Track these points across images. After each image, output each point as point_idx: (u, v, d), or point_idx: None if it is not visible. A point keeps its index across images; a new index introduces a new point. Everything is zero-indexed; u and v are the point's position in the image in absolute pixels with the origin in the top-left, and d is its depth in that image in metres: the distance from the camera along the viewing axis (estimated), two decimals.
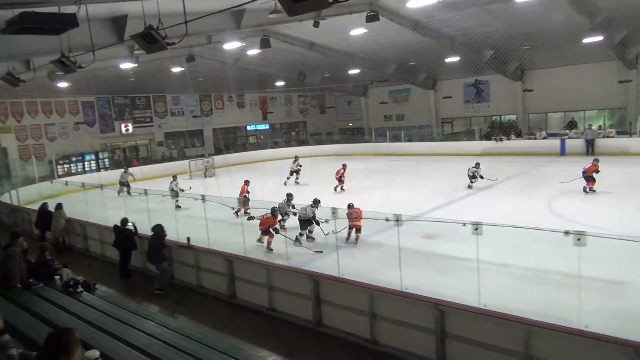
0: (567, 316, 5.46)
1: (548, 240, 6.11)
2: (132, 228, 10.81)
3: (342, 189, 18.14)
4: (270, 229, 10.55)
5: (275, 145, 36.82)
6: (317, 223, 10.80)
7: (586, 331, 5.15)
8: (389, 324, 6.79)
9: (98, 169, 27.28)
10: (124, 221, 10.81)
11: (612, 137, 23.74)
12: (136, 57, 20.46)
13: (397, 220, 6.83)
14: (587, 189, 14.82)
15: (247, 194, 15.04)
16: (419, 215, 11.15)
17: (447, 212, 13.00)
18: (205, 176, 25.72)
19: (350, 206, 10.80)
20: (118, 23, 14.38)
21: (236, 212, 12.55)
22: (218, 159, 27.04)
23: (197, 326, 7.72)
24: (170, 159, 30.74)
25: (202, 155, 27.73)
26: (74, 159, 26.93)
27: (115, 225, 10.91)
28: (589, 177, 14.88)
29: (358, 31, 19.52)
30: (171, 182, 17.03)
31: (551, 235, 5.83)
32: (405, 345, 6.60)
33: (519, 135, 27.95)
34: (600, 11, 20.05)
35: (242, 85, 33.13)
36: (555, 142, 24.96)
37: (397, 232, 6.92)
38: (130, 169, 22.52)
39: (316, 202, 11.25)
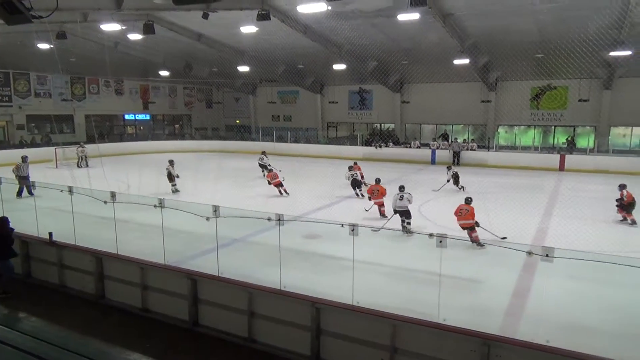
0: (428, 311, 5.99)
1: (415, 241, 6.66)
2: None
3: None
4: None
5: (156, 137, 34.97)
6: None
7: (443, 324, 5.71)
8: (267, 322, 6.86)
9: None
10: None
11: (474, 150, 26.58)
12: None
13: (278, 220, 6.92)
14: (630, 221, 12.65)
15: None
16: (302, 216, 11.40)
17: (329, 212, 13.47)
18: (79, 166, 23.55)
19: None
20: None
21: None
22: (90, 147, 24.86)
23: (58, 329, 7.00)
24: (32, 144, 27.60)
25: (77, 143, 25.28)
26: None
27: None
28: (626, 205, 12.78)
29: (249, 29, 19.39)
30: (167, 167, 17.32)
31: (419, 237, 6.36)
32: (282, 343, 6.72)
33: (396, 143, 29.99)
34: (469, 37, 22.38)
35: (122, 71, 30.95)
36: (427, 152, 27.23)
37: (279, 232, 7.01)
38: None
39: (402, 189, 11.94)
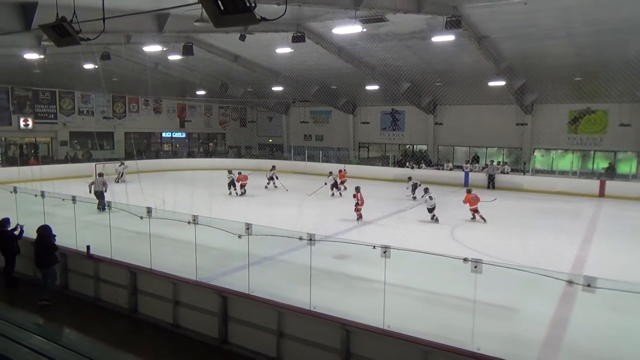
0: (462, 338, 5.81)
1: (449, 265, 6.50)
2: (17, 231, 9.85)
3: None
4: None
5: (191, 155, 35.76)
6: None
7: (478, 353, 5.52)
8: (296, 342, 6.79)
9: None
10: (3, 222, 9.81)
11: (507, 173, 25.99)
12: (43, 48, 19.03)
13: (310, 240, 6.90)
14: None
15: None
16: (332, 236, 11.34)
17: (359, 233, 13.38)
18: (117, 182, 24.28)
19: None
20: (26, 10, 13.35)
21: None
22: (128, 164, 25.64)
23: (92, 342, 7.18)
24: (74, 160, 28.66)
25: (117, 160, 26.18)
26: None
27: None
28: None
29: (284, 50, 19.77)
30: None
31: (452, 261, 6.21)
32: None
33: (428, 164, 29.68)
34: (504, 59, 22.14)
35: (161, 90, 31.98)
36: (460, 174, 26.81)
37: (310, 252, 6.98)
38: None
39: (427, 191, 16.34)
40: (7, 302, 8.93)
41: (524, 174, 26.20)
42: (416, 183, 20.01)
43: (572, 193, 23.07)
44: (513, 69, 23.39)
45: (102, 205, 14.76)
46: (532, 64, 22.15)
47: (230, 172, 21.90)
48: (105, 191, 16.94)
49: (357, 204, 15.53)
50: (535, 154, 28.92)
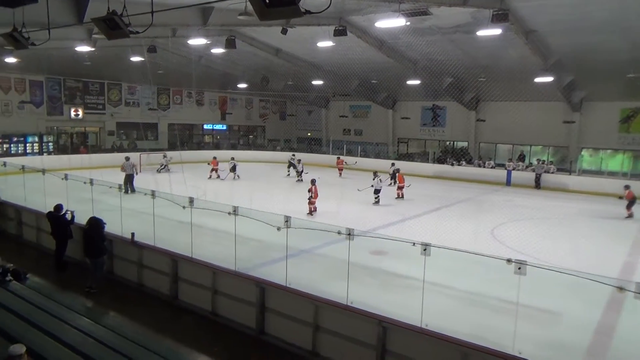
0: (502, 341, 5.67)
1: (490, 265, 6.34)
2: (68, 216, 10.30)
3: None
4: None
5: (231, 147, 36.33)
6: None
7: (520, 357, 5.37)
8: (332, 336, 6.81)
9: (41, 153, 25.94)
10: (58, 208, 10.28)
11: (552, 172, 25.07)
12: (94, 41, 19.73)
13: (349, 234, 6.89)
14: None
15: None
16: (370, 231, 11.29)
17: (398, 229, 13.26)
18: (159, 171, 24.99)
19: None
20: (79, 3, 13.85)
21: None
22: (172, 154, 26.35)
23: (134, 326, 7.45)
24: (120, 149, 29.67)
25: (161, 150, 27.08)
26: (15, 139, 25.51)
27: (49, 212, 10.37)
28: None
29: (325, 43, 19.71)
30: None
31: (493, 261, 6.06)
32: (346, 359, 6.63)
33: (469, 162, 29.02)
34: (553, 54, 21.29)
35: (203, 83, 32.58)
36: (502, 172, 26.06)
37: (348, 246, 6.97)
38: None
39: (376, 175, 17.85)
40: (57, 284, 9.36)
41: (570, 174, 25.21)
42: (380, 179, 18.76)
43: (621, 195, 22.02)
44: (562, 65, 22.46)
45: (128, 189, 16.39)
46: (583, 60, 21.19)
47: (232, 158, 24.08)
48: (136, 174, 18.55)
49: (310, 197, 15.40)
50: (582, 153, 27.74)
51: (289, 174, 25.87)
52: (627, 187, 17.61)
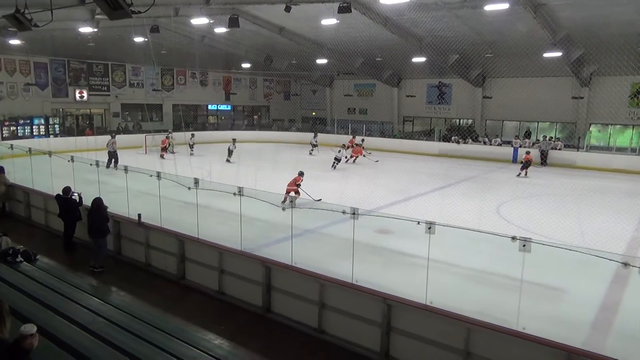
0: (506, 317, 5.71)
1: (495, 243, 6.34)
2: (76, 198, 10.39)
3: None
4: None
5: (236, 127, 36.28)
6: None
7: (523, 333, 5.42)
8: (337, 314, 6.89)
9: (47, 135, 26.03)
10: (67, 190, 10.36)
11: (559, 149, 24.88)
12: (97, 22, 19.59)
13: (353, 214, 6.90)
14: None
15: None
16: (375, 210, 11.30)
17: (403, 208, 13.25)
18: (168, 152, 25.02)
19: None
20: None
21: None
22: (178, 136, 26.32)
23: (143, 305, 7.56)
24: (126, 131, 29.70)
25: (165, 131, 27.06)
26: (21, 121, 25.57)
27: (58, 195, 10.47)
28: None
29: (329, 21, 19.44)
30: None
31: (498, 239, 6.06)
32: (352, 337, 6.73)
33: (475, 139, 28.82)
34: (562, 28, 20.90)
35: (207, 63, 32.36)
36: (508, 150, 25.91)
37: (353, 225, 6.99)
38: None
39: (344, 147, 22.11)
40: (67, 265, 9.50)
41: (578, 150, 25.01)
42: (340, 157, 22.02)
43: (630, 171, 21.87)
44: (571, 39, 22.06)
45: (109, 164, 17.69)
46: (593, 33, 20.78)
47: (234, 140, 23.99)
48: (114, 150, 19.79)
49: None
50: (591, 129, 27.45)
51: (312, 153, 26.92)
52: (527, 152, 21.94)
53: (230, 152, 23.12)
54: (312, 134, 29.37)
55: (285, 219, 7.63)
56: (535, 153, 24.72)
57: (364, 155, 24.02)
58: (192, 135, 26.45)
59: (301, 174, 14.56)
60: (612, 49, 21.29)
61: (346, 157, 22.97)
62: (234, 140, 24.00)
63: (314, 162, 23.43)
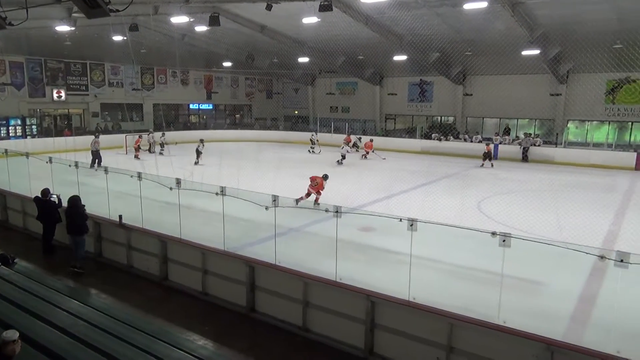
0: (487, 312, 5.80)
1: (476, 239, 6.43)
2: (55, 200, 10.21)
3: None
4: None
5: (218, 126, 36.03)
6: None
7: (504, 326, 5.51)
8: (321, 312, 6.91)
9: (24, 136, 25.51)
10: (45, 192, 10.17)
11: (539, 145, 25.31)
12: (74, 20, 19.25)
13: (336, 212, 6.92)
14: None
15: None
16: (358, 208, 11.36)
17: (385, 206, 13.35)
18: (150, 152, 24.79)
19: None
20: None
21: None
22: (158, 136, 26.05)
23: (124, 307, 7.48)
24: (105, 131, 29.26)
25: (146, 131, 26.75)
26: None
27: (36, 197, 10.27)
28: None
29: (310, 20, 19.41)
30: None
31: (479, 234, 6.14)
32: (336, 334, 6.76)
33: (456, 137, 29.13)
34: (539, 26, 21.24)
35: (188, 62, 32.07)
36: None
37: (336, 224, 7.02)
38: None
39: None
40: (46, 268, 9.33)
41: (556, 146, 25.48)
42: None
43: (606, 166, 22.39)
44: (548, 37, 22.45)
45: (93, 164, 17.89)
46: (569, 31, 21.18)
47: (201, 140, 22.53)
48: (97, 150, 19.65)
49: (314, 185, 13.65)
50: (568, 125, 27.99)
51: (312, 151, 27.46)
52: (487, 143, 23.78)
53: (198, 154, 21.55)
54: (299, 132, 29.79)
55: (268, 218, 7.61)
56: (516, 150, 25.20)
57: (373, 151, 24.80)
58: (163, 134, 26.05)
59: (325, 177, 13.70)
60: (587, 46, 21.73)
61: (348, 152, 23.79)
62: (202, 141, 22.32)
63: (312, 160, 23.46)
